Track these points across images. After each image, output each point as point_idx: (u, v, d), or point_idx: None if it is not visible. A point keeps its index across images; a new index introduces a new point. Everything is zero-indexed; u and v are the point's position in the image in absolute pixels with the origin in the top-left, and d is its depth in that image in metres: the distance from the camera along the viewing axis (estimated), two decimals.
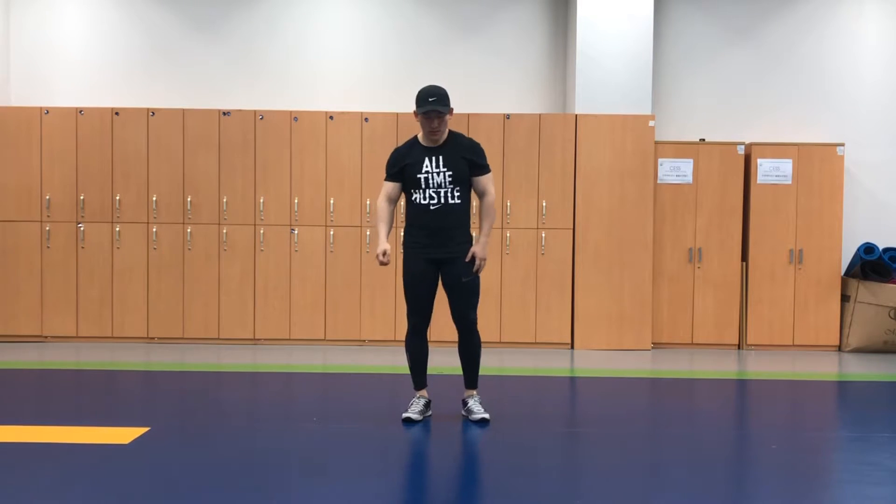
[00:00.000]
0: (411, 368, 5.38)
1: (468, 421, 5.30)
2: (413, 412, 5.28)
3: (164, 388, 6.51)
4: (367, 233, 8.14)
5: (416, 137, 5.32)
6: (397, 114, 8.13)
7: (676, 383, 6.94)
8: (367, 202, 8.12)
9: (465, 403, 5.41)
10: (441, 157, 5.17)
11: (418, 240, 5.20)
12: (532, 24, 8.84)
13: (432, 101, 5.10)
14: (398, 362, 7.32)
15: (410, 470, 4.44)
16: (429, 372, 5.39)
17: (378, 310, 8.17)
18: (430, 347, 5.40)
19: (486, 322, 7.82)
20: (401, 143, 7.97)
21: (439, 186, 5.14)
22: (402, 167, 5.23)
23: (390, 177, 5.31)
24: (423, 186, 5.15)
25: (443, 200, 5.15)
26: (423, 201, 5.16)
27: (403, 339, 5.40)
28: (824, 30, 8.80)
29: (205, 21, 8.80)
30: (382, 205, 5.33)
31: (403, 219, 6.04)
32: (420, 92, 5.19)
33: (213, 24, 8.81)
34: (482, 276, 5.42)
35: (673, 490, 4.15)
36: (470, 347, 5.33)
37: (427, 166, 5.15)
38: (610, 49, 8.25)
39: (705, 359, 7.94)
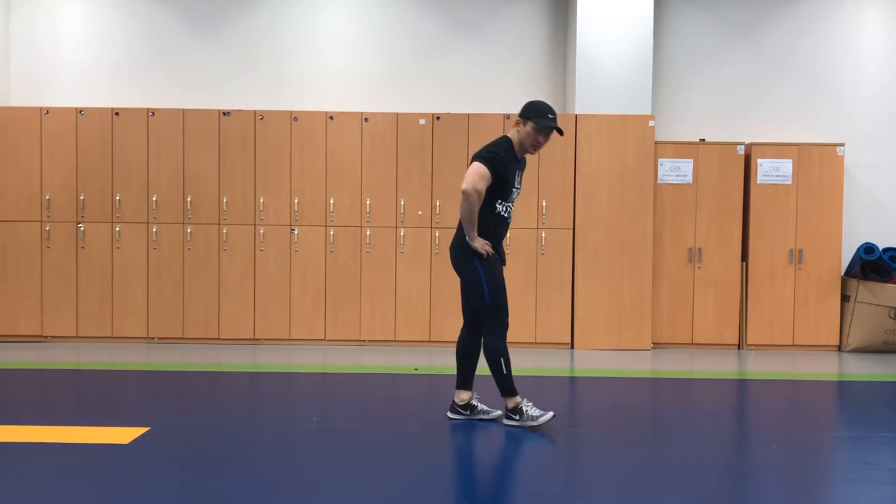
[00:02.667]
0: (509, 374, 5.06)
1: (479, 422, 5.27)
2: (542, 412, 5.10)
3: (164, 388, 6.51)
4: (368, 233, 8.14)
5: (510, 142, 5.10)
6: (397, 114, 8.13)
7: (676, 383, 6.94)
8: (367, 202, 8.12)
9: (474, 408, 5.32)
10: (520, 174, 5.22)
11: (495, 248, 5.14)
12: (532, 24, 8.84)
13: (552, 118, 5.00)
14: (398, 362, 7.32)
15: (409, 470, 4.44)
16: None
17: (378, 310, 8.17)
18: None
19: None
20: (401, 142, 8.13)
21: (512, 201, 5.21)
22: (504, 174, 5.02)
23: (493, 171, 4.96)
24: (509, 200, 5.16)
25: (511, 214, 5.23)
26: (504, 214, 5.16)
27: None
28: (824, 30, 8.80)
29: (205, 21, 8.81)
30: (483, 194, 4.97)
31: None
32: (540, 104, 5.04)
33: (213, 24, 8.81)
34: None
35: (673, 490, 4.15)
36: None
37: (517, 180, 5.17)
38: (610, 49, 8.26)
39: (705, 359, 7.94)
